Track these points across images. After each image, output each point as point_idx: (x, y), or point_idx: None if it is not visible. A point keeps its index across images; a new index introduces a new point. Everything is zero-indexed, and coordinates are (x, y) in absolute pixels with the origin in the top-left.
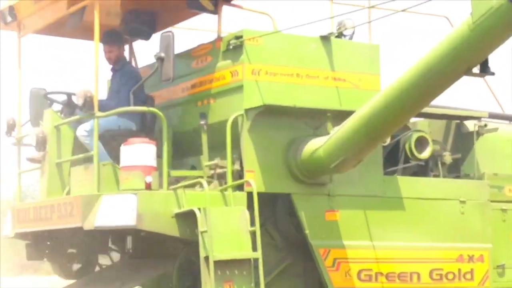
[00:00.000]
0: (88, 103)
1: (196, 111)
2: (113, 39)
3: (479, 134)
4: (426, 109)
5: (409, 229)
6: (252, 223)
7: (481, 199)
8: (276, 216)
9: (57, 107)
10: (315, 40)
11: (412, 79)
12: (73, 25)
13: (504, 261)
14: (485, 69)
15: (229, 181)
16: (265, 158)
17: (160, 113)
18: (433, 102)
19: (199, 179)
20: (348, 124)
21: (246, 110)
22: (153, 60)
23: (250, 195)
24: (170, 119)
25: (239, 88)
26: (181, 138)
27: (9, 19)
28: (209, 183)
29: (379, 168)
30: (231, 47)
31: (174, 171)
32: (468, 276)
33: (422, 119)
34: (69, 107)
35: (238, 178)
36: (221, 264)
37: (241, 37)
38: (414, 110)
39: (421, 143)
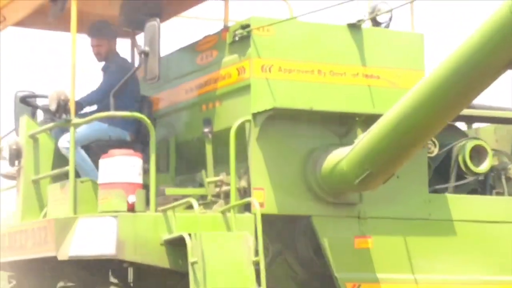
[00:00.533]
0: (62, 107)
1: (201, 117)
2: (102, 31)
3: None
4: (490, 112)
5: (462, 259)
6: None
7: None
8: (296, 243)
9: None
10: (342, 29)
11: (445, 75)
12: (55, 15)
13: None
14: None
15: (232, 200)
16: (278, 172)
17: (146, 119)
18: (501, 103)
19: (189, 199)
20: (374, 131)
21: (254, 115)
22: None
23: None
24: (173, 126)
25: (246, 88)
26: (187, 150)
27: None
28: (213, 203)
29: (423, 184)
30: (237, 38)
31: (170, 189)
32: None
33: (487, 124)
34: (50, 113)
35: (246, 197)
36: None
37: (248, 26)
38: (450, 112)
39: (479, 153)
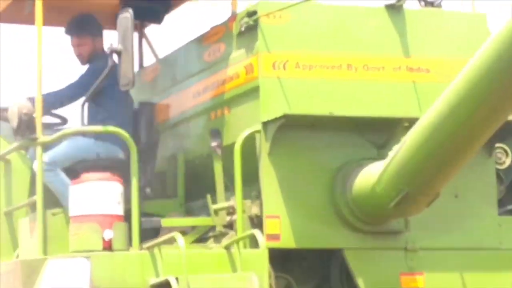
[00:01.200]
0: (24, 124)
1: (209, 127)
2: (84, 27)
3: None
4: None
5: None
6: None
7: None
8: (332, 283)
9: None
10: (378, 11)
11: (485, 65)
12: (30, 8)
13: None
14: None
15: (238, 232)
16: (297, 195)
17: (124, 133)
18: None
19: (174, 233)
20: (408, 141)
21: (264, 124)
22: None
23: (276, 252)
24: (181, 140)
25: (254, 91)
26: (198, 168)
27: None
28: (223, 235)
29: (491, 204)
30: (243, 28)
31: (168, 220)
32: None
33: None
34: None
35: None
36: None
37: (255, 13)
38: (500, 109)
39: None
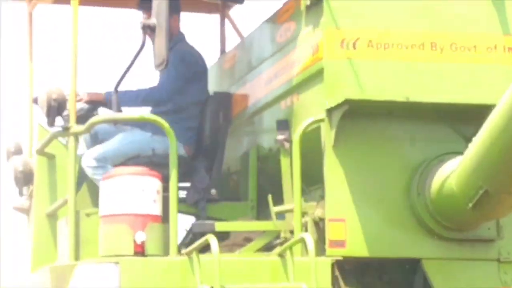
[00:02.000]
0: (54, 111)
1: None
2: (158, 3)
3: None
4: None
5: None
6: None
7: None
8: None
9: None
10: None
11: None
12: None
13: None
14: None
15: (295, 237)
16: (367, 195)
17: (163, 122)
18: None
19: (208, 236)
20: (485, 133)
21: (329, 112)
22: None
23: (352, 264)
24: (254, 135)
25: (319, 74)
26: (270, 168)
27: None
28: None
29: None
30: (308, 2)
31: (221, 224)
32: None
33: None
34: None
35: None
36: None
37: None
38: None
39: None
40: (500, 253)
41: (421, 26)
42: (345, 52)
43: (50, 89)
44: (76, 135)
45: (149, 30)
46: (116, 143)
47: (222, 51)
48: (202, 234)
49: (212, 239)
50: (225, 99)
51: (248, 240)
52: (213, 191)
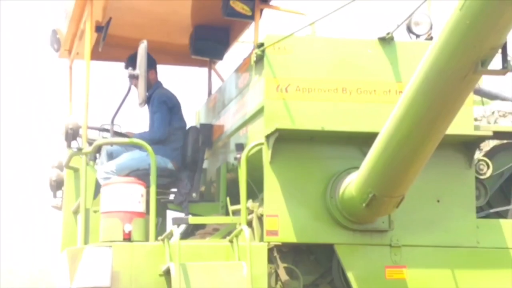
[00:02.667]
0: (70, 136)
1: (237, 142)
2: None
3: None
4: None
5: None
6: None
7: None
8: (333, 274)
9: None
10: (371, 43)
11: (418, 84)
12: (101, 45)
13: None
14: (503, 63)
15: (256, 233)
16: (295, 198)
17: (146, 145)
18: None
19: (173, 227)
20: (371, 150)
21: (267, 138)
22: None
23: (288, 248)
24: (224, 154)
25: (262, 111)
26: (234, 177)
27: (55, 46)
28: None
29: (470, 208)
30: (255, 59)
31: (194, 218)
32: None
33: None
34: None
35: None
36: None
37: (263, 45)
38: (434, 124)
39: None
40: (391, 240)
41: (335, 75)
42: (280, 95)
43: (68, 121)
44: (86, 154)
45: (133, 78)
46: (121, 159)
47: (209, 93)
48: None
49: (175, 230)
50: (207, 129)
51: (216, 230)
52: (194, 195)
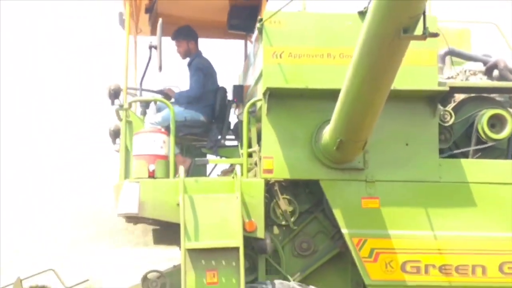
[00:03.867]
0: (112, 95)
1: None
2: (178, 35)
3: None
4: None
5: (472, 217)
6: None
7: None
8: (324, 203)
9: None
10: (351, 17)
11: (359, 48)
12: (149, 22)
13: None
14: (423, 30)
15: (244, 169)
16: (287, 143)
17: (168, 103)
18: None
19: (181, 167)
20: (337, 104)
21: (264, 95)
22: None
23: (288, 183)
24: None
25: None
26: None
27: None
28: (250, 169)
29: (434, 150)
30: (257, 31)
31: (213, 159)
32: None
33: None
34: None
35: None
36: (205, 253)
37: (261, 19)
38: (377, 83)
39: (501, 121)
40: (366, 176)
41: (321, 43)
42: (275, 60)
43: (110, 83)
44: (125, 110)
45: (153, 48)
46: (164, 113)
47: (245, 59)
48: (204, 166)
49: (180, 169)
50: (239, 89)
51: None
52: (222, 141)
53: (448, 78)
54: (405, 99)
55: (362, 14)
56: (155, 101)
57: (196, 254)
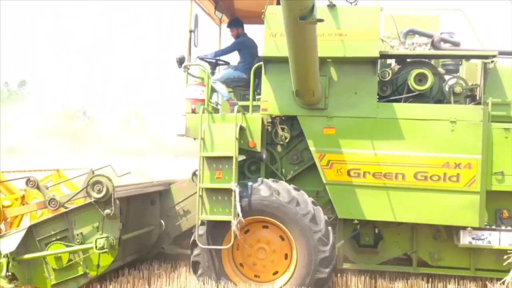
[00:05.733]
0: (179, 62)
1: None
2: (231, 24)
3: (487, 69)
4: (447, 52)
5: (398, 142)
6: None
7: (474, 120)
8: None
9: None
10: (323, 9)
11: (284, 27)
12: (219, 14)
13: (504, 169)
14: (314, 17)
15: (250, 109)
16: (277, 92)
17: (206, 67)
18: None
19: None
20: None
21: (263, 61)
22: None
23: (283, 118)
24: None
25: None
26: None
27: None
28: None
29: (373, 96)
30: (264, 17)
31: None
32: (454, 179)
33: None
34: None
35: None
36: (214, 159)
37: (264, 12)
38: (303, 54)
39: (425, 77)
40: (327, 114)
41: None
42: (272, 39)
43: (178, 54)
44: (186, 69)
45: (191, 32)
46: (221, 74)
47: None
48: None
49: (199, 106)
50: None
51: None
52: (258, 91)
53: (405, 49)
54: (354, 63)
55: (330, 7)
56: (216, 64)
57: (209, 160)
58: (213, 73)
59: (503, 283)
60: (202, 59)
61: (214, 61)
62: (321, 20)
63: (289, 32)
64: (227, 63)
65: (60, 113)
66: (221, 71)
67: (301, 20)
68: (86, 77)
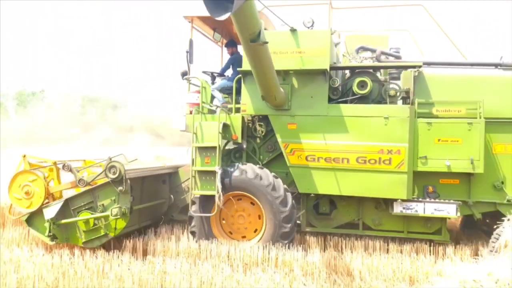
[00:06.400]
0: (182, 75)
1: None
2: (227, 45)
3: (415, 77)
4: (386, 63)
5: (344, 134)
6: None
7: (402, 116)
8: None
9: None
10: (287, 33)
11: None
12: (218, 37)
13: (426, 154)
14: (261, 40)
15: (233, 110)
16: (253, 97)
17: (202, 80)
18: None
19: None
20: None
21: (242, 73)
22: None
23: (260, 118)
24: None
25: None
26: None
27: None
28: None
29: (325, 99)
30: None
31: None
32: (387, 162)
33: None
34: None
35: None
36: (203, 149)
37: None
38: (260, 68)
39: (365, 84)
40: (290, 113)
41: (273, 46)
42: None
43: (181, 69)
44: (188, 81)
45: (187, 53)
46: (219, 83)
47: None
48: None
49: (194, 111)
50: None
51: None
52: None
53: (356, 62)
54: (310, 73)
55: (292, 31)
56: (214, 77)
57: (200, 149)
58: (213, 83)
59: (493, 248)
60: (205, 72)
61: (209, 74)
62: (266, 42)
63: (246, 52)
64: (222, 75)
65: (60, 113)
66: (219, 82)
67: (252, 43)
68: (86, 77)
